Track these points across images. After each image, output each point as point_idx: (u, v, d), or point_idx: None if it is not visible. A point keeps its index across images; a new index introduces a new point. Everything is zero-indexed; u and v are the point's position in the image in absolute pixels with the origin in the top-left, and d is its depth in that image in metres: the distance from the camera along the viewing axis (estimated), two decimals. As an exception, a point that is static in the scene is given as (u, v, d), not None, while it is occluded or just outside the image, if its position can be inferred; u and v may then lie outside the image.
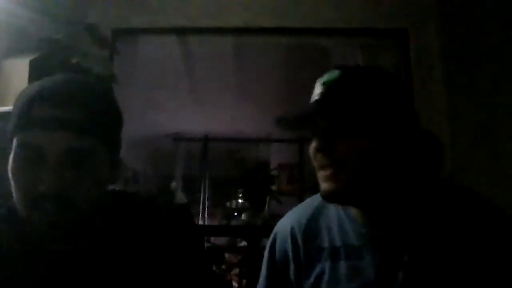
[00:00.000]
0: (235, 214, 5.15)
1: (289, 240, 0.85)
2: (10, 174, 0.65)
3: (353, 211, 0.79)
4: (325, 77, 0.76)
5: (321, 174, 0.74)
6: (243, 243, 4.10)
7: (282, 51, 3.18)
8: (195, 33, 2.38)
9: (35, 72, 1.77)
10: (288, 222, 0.88)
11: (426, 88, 2.13)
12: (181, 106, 4.51)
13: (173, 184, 5.75)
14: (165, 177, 5.98)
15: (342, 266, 0.77)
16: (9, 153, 0.67)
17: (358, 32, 2.30)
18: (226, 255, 3.99)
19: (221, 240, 4.18)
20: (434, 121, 2.07)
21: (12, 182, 0.65)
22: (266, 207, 4.75)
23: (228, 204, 6.18)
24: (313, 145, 0.74)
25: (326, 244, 0.80)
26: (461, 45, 2.09)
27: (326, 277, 0.78)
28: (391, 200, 0.76)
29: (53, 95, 0.64)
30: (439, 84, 2.10)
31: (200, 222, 4.87)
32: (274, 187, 4.84)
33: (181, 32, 2.39)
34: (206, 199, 5.38)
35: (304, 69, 3.59)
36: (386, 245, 0.75)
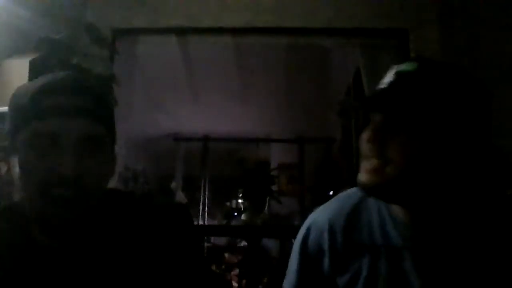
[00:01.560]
0: (235, 214, 5.15)
1: (326, 233, 0.81)
2: (20, 167, 0.64)
3: (398, 211, 0.75)
4: (401, 67, 0.72)
5: (364, 165, 0.71)
6: (243, 243, 4.10)
7: (282, 51, 3.18)
8: (195, 33, 2.38)
9: (35, 72, 1.77)
10: (324, 216, 0.84)
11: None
12: (181, 106, 4.51)
13: (173, 184, 5.75)
14: (165, 177, 5.98)
15: (382, 266, 0.74)
16: (11, 151, 0.66)
17: (358, 32, 2.29)
18: (226, 255, 4.00)
19: (221, 240, 4.18)
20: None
21: (22, 174, 0.64)
22: (266, 207, 4.75)
23: (228, 204, 6.18)
24: (365, 134, 0.71)
25: (366, 240, 0.77)
26: (461, 45, 2.09)
27: (364, 274, 0.76)
28: (443, 206, 0.72)
29: (62, 85, 0.66)
30: (439, 84, 2.10)
31: (200, 222, 4.87)
32: (274, 187, 4.84)
33: (181, 32, 2.38)
34: (206, 199, 5.38)
35: (304, 69, 3.60)
36: (432, 251, 0.72)
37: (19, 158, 0.65)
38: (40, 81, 0.67)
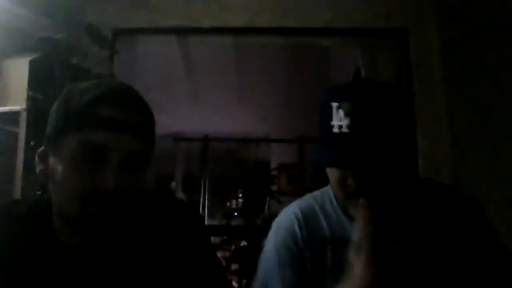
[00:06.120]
0: (235, 214, 5.15)
1: (296, 230, 0.88)
2: (59, 173, 0.63)
3: (351, 208, 0.82)
4: (346, 108, 0.76)
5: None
6: (243, 243, 4.10)
7: (282, 51, 3.18)
8: (195, 33, 2.38)
9: (35, 72, 1.77)
10: (289, 212, 0.92)
11: (426, 88, 2.13)
12: (181, 106, 4.51)
13: (173, 184, 5.75)
14: (165, 177, 5.99)
15: (343, 254, 0.80)
16: (49, 152, 0.65)
17: (358, 32, 2.29)
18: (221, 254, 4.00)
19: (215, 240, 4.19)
20: (434, 121, 2.07)
21: (61, 182, 0.62)
22: (266, 207, 4.75)
23: (228, 204, 6.18)
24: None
25: (327, 234, 0.86)
26: (461, 45, 2.09)
27: (329, 263, 0.84)
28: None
29: (119, 97, 0.65)
30: (439, 84, 2.10)
31: (200, 222, 4.85)
32: (274, 187, 4.84)
33: (181, 32, 2.38)
34: (206, 199, 5.38)
35: (304, 69, 3.60)
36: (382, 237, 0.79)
37: (60, 164, 0.63)
38: (95, 88, 0.65)
